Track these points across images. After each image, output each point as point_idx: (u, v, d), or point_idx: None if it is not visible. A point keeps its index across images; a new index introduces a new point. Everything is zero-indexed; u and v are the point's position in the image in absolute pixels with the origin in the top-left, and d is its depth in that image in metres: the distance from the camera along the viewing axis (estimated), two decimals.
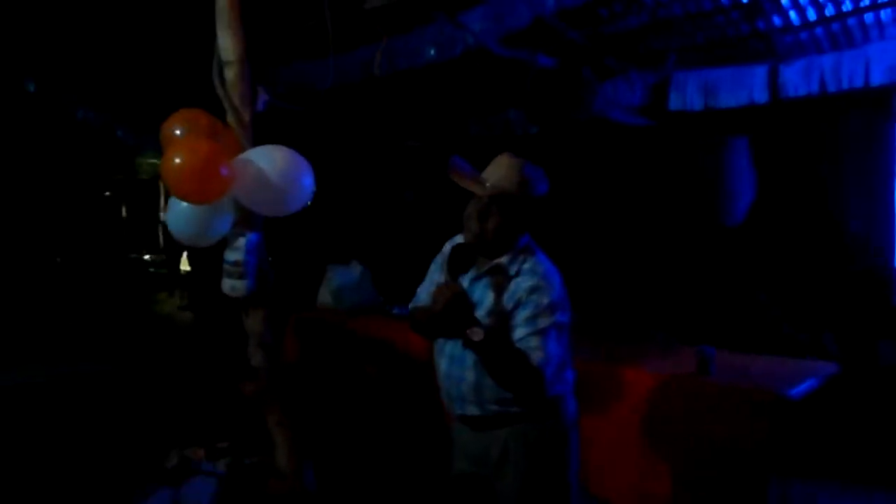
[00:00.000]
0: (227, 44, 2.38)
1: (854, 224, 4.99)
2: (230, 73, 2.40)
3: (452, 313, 1.83)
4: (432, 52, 3.68)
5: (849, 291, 4.89)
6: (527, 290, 1.96)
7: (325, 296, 5.04)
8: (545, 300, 1.95)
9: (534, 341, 1.92)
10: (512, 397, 2.00)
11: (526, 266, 2.01)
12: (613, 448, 3.23)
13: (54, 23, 4.12)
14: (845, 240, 5.00)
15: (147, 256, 10.93)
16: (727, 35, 4.11)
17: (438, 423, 2.30)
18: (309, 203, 2.40)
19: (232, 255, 2.41)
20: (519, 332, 1.94)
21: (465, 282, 2.02)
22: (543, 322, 1.93)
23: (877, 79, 3.92)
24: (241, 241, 2.40)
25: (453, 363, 2.07)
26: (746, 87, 4.19)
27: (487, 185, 2.01)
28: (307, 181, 2.34)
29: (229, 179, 2.19)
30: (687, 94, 4.35)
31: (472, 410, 2.06)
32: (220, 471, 1.86)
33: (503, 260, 2.03)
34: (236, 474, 1.84)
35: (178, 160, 2.08)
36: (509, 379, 1.95)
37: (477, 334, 1.83)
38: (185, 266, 9.15)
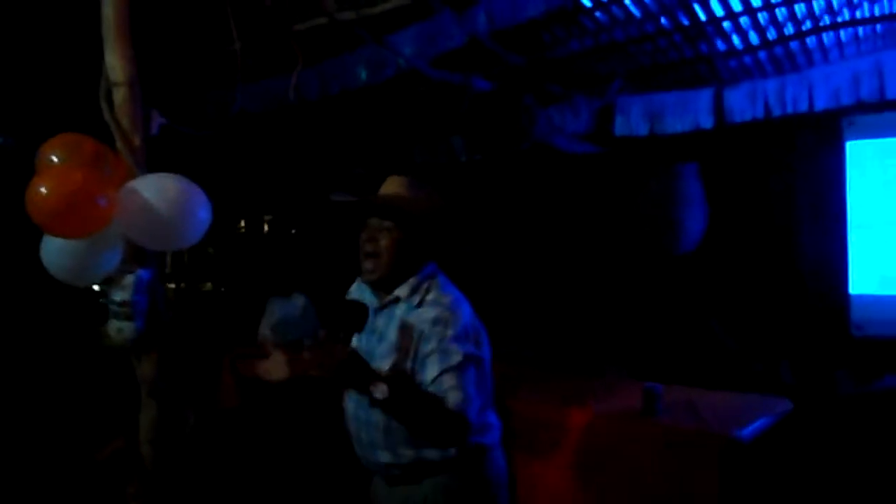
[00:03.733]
0: (114, 63, 2.16)
1: (807, 250, 4.91)
2: (118, 96, 2.18)
3: (347, 376, 1.67)
4: (363, 74, 3.50)
5: (804, 319, 4.78)
6: (430, 321, 1.78)
7: (265, 330, 4.79)
8: (450, 332, 1.76)
9: (448, 381, 1.72)
10: (426, 441, 1.80)
11: (429, 297, 1.84)
12: (555, 496, 3.01)
13: None
14: (799, 266, 4.91)
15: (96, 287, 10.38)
16: (671, 59, 4.02)
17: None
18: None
19: (118, 295, 2.17)
20: (430, 372, 1.74)
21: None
22: (455, 357, 1.74)
23: (821, 103, 3.83)
24: (129, 279, 2.16)
25: (360, 405, 1.87)
26: (691, 111, 4.08)
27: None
28: (202, 213, 2.10)
29: (108, 210, 1.96)
30: (632, 120, 4.23)
31: (384, 457, 1.85)
32: None
33: (401, 291, 1.87)
34: None
35: (42, 189, 1.83)
36: (427, 430, 1.75)
37: (380, 391, 1.65)
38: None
